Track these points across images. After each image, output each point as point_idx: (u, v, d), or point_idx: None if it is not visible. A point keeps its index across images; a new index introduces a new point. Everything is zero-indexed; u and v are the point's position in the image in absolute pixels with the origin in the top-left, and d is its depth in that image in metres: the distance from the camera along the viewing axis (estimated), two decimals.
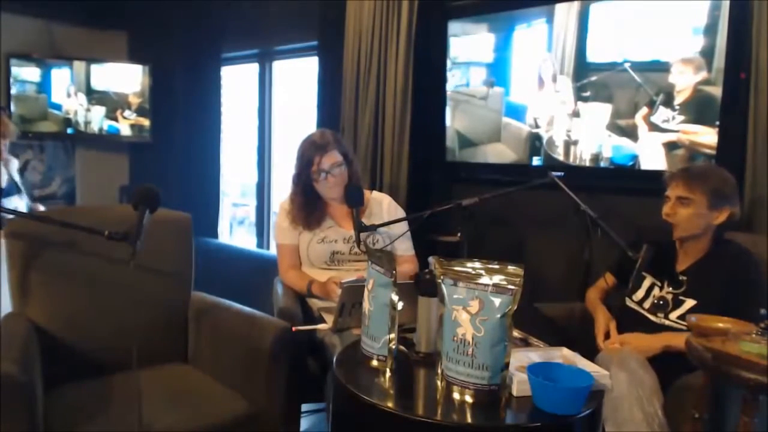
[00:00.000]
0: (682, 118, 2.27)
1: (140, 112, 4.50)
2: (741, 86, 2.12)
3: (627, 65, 2.39)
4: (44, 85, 4.32)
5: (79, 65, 4.39)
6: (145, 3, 4.19)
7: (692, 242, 1.87)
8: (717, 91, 2.18)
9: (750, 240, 1.93)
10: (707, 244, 1.86)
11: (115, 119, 4.47)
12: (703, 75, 2.20)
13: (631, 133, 2.41)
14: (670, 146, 2.31)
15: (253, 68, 4.25)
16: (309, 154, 2.21)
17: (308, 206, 2.25)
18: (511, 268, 1.25)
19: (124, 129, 4.49)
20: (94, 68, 4.42)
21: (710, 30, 2.18)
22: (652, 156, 2.36)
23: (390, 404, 1.25)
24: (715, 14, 2.17)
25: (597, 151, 2.51)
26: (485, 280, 1.24)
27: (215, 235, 4.32)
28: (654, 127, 2.34)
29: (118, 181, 4.77)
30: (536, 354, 1.41)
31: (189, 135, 4.29)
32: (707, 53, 2.19)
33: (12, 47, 4.15)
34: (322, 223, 2.28)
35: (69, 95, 4.39)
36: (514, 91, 2.76)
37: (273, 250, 2.79)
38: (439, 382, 1.30)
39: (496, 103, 2.82)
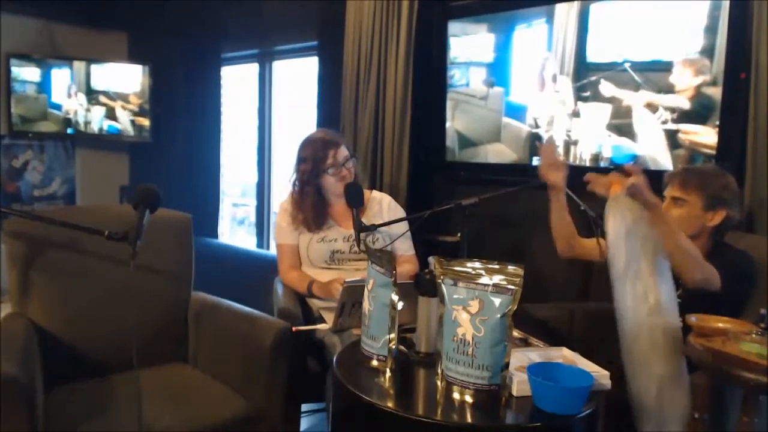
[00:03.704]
0: (682, 118, 2.27)
1: (140, 112, 4.50)
2: (741, 86, 2.12)
3: (627, 65, 2.39)
4: (44, 85, 4.32)
5: (79, 65, 4.39)
6: (145, 3, 4.18)
7: None
8: (717, 91, 2.18)
9: (750, 241, 1.93)
10: (703, 246, 1.85)
11: (115, 118, 4.47)
12: (704, 77, 2.20)
13: (631, 134, 2.41)
14: (670, 146, 2.30)
15: (253, 68, 4.25)
16: (322, 150, 2.22)
17: (317, 206, 2.25)
18: (511, 268, 1.25)
19: (124, 120, 4.47)
20: (94, 68, 4.42)
21: (710, 30, 2.18)
22: (651, 156, 2.36)
23: (390, 404, 1.26)
24: (715, 14, 2.17)
25: (597, 151, 2.51)
26: (485, 280, 1.25)
27: (215, 235, 4.32)
28: (654, 128, 2.34)
29: (118, 181, 4.77)
30: (536, 354, 1.41)
31: (189, 135, 4.30)
32: (707, 53, 2.19)
33: (12, 47, 4.15)
34: (324, 223, 2.28)
35: (69, 95, 4.39)
36: (514, 91, 2.76)
37: (273, 250, 2.79)
38: (439, 382, 1.30)
39: (496, 103, 2.82)
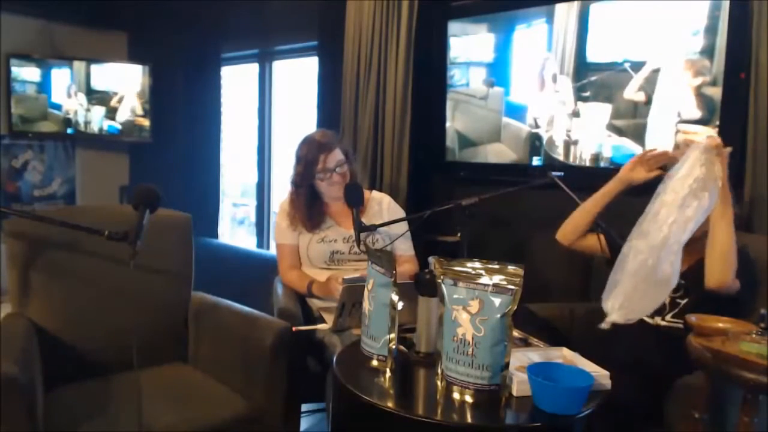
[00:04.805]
0: (681, 118, 2.27)
1: (140, 112, 4.50)
2: (741, 86, 2.12)
3: (627, 65, 2.39)
4: (44, 85, 4.32)
5: (79, 65, 4.39)
6: (145, 3, 4.18)
7: (694, 241, 1.86)
8: (717, 91, 2.18)
9: (750, 240, 1.93)
10: (705, 244, 1.85)
11: (114, 116, 4.47)
12: (704, 77, 2.20)
13: (631, 133, 2.41)
14: (670, 147, 2.30)
15: (253, 68, 4.25)
16: (313, 153, 2.22)
17: (311, 207, 2.25)
18: (511, 268, 1.25)
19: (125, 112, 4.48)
20: (94, 68, 4.42)
21: (710, 30, 2.18)
22: None
23: (390, 404, 1.26)
24: (715, 14, 2.17)
25: (597, 151, 2.51)
26: (485, 280, 1.25)
27: (215, 235, 4.32)
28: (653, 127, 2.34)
29: (118, 181, 4.77)
30: (536, 354, 1.41)
31: (189, 135, 4.30)
32: (707, 53, 2.19)
33: (12, 47, 4.15)
34: (322, 223, 2.28)
35: (69, 95, 4.39)
36: (514, 91, 2.76)
37: (273, 250, 2.79)
38: (439, 382, 1.30)
39: (496, 103, 2.82)
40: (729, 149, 1.59)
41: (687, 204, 1.42)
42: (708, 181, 1.43)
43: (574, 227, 2.00)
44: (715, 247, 1.68)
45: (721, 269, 1.66)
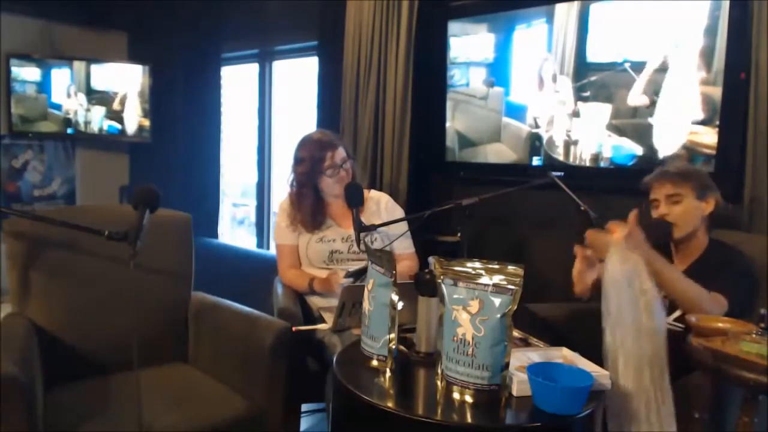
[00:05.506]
0: (681, 118, 2.27)
1: (140, 112, 4.50)
2: (741, 86, 2.12)
3: (627, 65, 2.39)
4: (44, 85, 4.32)
5: (79, 65, 4.39)
6: (145, 3, 4.19)
7: (688, 242, 1.87)
8: (717, 91, 2.18)
9: (750, 240, 1.93)
10: (702, 240, 1.87)
11: (114, 116, 4.47)
12: (704, 78, 2.20)
13: (630, 133, 2.41)
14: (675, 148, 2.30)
15: (253, 68, 4.25)
16: (319, 151, 2.22)
17: (314, 206, 2.26)
18: (511, 268, 1.25)
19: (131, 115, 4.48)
20: (94, 68, 4.42)
21: (710, 30, 2.18)
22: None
23: (390, 404, 1.26)
24: (715, 14, 2.17)
25: (597, 151, 2.51)
26: (485, 280, 1.25)
27: (215, 235, 4.32)
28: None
29: (118, 181, 4.77)
30: (536, 354, 1.41)
31: (189, 135, 4.30)
32: (707, 53, 2.19)
33: (12, 47, 4.15)
34: (323, 224, 2.28)
35: (69, 95, 4.39)
36: (514, 91, 2.76)
37: (273, 250, 2.80)
38: (439, 382, 1.30)
39: (496, 103, 2.82)
40: (633, 216, 1.56)
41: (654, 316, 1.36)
42: (642, 280, 1.39)
43: (582, 284, 1.91)
44: (683, 306, 1.67)
45: (693, 311, 1.61)
